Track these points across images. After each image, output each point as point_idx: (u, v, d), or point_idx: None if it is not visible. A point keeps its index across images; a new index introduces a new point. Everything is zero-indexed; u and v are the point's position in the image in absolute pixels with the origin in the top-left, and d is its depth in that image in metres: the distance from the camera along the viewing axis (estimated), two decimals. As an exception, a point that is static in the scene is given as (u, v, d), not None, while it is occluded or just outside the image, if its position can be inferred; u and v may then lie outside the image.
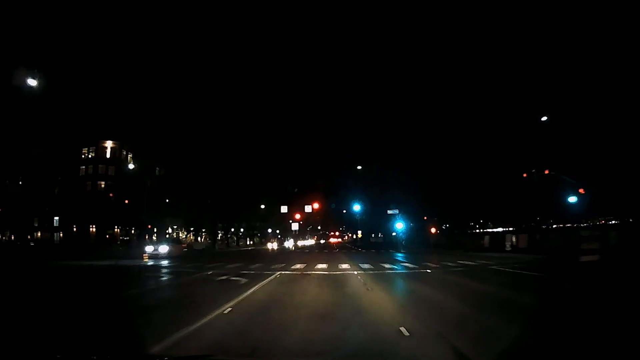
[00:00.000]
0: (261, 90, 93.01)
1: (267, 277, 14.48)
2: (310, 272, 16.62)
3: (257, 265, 20.68)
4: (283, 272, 16.46)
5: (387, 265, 20.02)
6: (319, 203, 47.54)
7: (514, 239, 37.03)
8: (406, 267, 19.25)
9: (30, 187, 70.69)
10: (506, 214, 44.49)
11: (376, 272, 16.89)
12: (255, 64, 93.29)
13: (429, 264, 21.00)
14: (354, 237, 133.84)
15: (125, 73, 75.88)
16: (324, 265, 19.80)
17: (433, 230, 48.05)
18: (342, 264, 21.13)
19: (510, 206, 41.82)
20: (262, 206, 68.49)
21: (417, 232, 52.61)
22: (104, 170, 75.44)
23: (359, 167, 47.00)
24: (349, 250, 43.74)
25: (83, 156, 76.19)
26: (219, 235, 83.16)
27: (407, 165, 51.70)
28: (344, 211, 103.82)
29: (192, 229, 76.98)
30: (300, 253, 38.00)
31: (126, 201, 68.32)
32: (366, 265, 19.72)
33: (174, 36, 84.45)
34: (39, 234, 75.41)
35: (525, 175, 35.07)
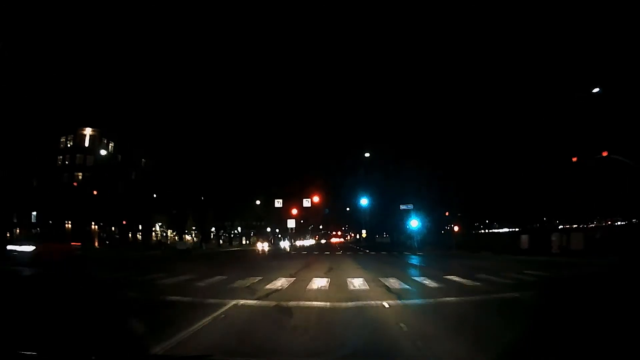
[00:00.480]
0: (256, 72, 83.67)
1: (191, 326, 6.40)
2: (294, 304, 8.15)
3: (215, 279, 12.68)
4: (242, 303, 8.22)
5: (427, 282, 12.01)
6: (319, 196, 39.80)
7: (564, 239, 29.58)
8: (461, 288, 11.09)
9: (7, 180, 63.20)
10: (553, 208, 36.57)
11: (424, 301, 8.82)
12: (251, 45, 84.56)
13: (480, 275, 13.17)
14: (357, 237, 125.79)
15: (109, 53, 67.85)
16: (323, 282, 11.75)
17: (456, 229, 40.23)
18: (353, 277, 13.19)
19: (557, 199, 33.82)
20: (258, 202, 60.62)
21: (434, 231, 44.73)
22: (82, 160, 67.60)
23: (367, 154, 39.12)
24: (355, 253, 35.85)
25: (61, 145, 68.60)
26: (212, 234, 75.77)
27: (423, 154, 43.80)
28: (347, 209, 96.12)
29: (180, 226, 69.06)
30: (294, 256, 30.11)
31: (107, 194, 60.89)
32: (394, 282, 11.67)
33: (163, 16, 76.22)
34: (18, 231, 67.99)
35: (575, 159, 27.63)
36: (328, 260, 23.36)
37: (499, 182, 37.26)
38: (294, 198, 41.46)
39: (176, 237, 73.69)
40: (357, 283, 11.55)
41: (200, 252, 41.14)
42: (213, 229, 78.16)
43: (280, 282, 11.71)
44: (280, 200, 40.23)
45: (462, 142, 41.13)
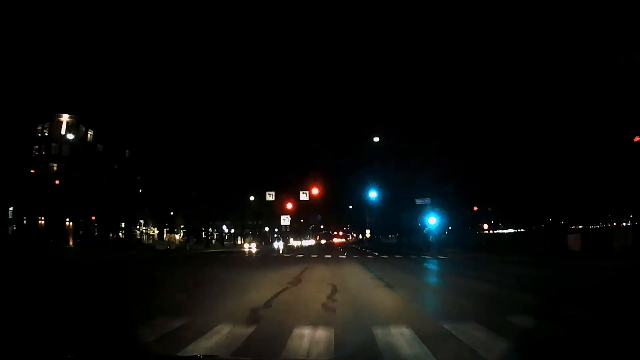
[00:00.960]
0: (247, 50, 74.42)
1: None
2: None
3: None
4: None
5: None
6: (318, 188, 32.69)
7: (629, 238, 23.05)
8: None
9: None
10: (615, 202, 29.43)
11: None
12: (241, 21, 76.67)
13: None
14: (360, 237, 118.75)
15: (89, 33, 60.55)
16: (321, 346, 4.58)
17: (485, 227, 33.18)
18: (385, 323, 5.98)
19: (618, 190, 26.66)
20: (252, 198, 53.35)
21: (455, 230, 37.61)
22: (57, 150, 60.36)
23: (377, 139, 31.96)
24: (363, 256, 28.80)
25: (39, 135, 61.48)
26: (202, 233, 68.87)
27: (440, 140, 36.70)
28: (350, 207, 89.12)
29: (166, 224, 62.01)
30: (285, 262, 22.95)
31: (84, 187, 54.14)
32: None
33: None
34: (-5, 228, 61.11)
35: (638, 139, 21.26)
36: (329, 271, 16.22)
37: (538, 173, 30.07)
38: (289, 190, 34.48)
39: (164, 237, 66.81)
40: (404, 348, 4.47)
41: (175, 255, 34.25)
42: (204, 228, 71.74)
43: (214, 341, 4.65)
44: (273, 193, 33.20)
45: (489, 124, 33.96)
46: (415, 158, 36.80)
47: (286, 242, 72.70)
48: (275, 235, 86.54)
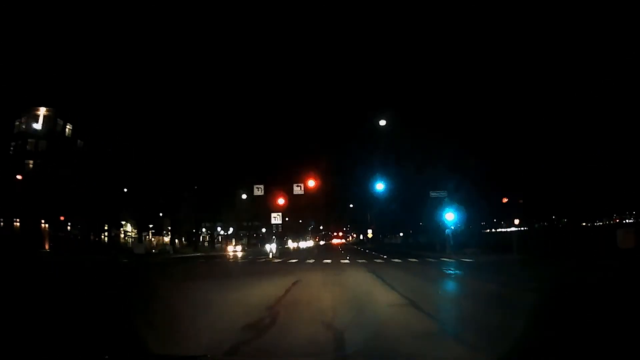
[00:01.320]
0: (237, 31, 64.86)
1: None
2: None
3: None
4: None
5: None
6: (315, 179, 27.05)
7: None
8: None
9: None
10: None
11: None
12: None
13: None
14: (360, 237, 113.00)
15: (68, 20, 54.71)
16: None
17: (516, 222, 27.68)
18: None
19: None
20: (244, 196, 47.58)
21: (475, 228, 32.09)
22: (33, 145, 54.53)
23: (383, 122, 26.32)
24: (370, 261, 23.28)
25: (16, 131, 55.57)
26: (196, 235, 63.21)
27: (455, 125, 31.27)
28: (351, 205, 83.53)
29: (150, 226, 56.40)
30: (272, 271, 17.40)
31: (63, 186, 48.77)
32: None
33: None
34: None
35: None
36: (329, 288, 10.67)
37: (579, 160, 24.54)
38: (281, 183, 28.87)
39: (145, 239, 61.13)
40: None
41: (151, 260, 28.84)
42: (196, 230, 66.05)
43: None
44: (261, 187, 27.54)
45: (508, 109, 28.45)
46: (427, 145, 31.23)
47: (281, 243, 66.85)
48: (273, 237, 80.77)
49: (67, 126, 56.43)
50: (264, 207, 37.14)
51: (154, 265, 22.35)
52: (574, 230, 27.81)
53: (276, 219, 27.46)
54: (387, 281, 11.79)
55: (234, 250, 40.98)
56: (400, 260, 22.12)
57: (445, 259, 23.49)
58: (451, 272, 16.09)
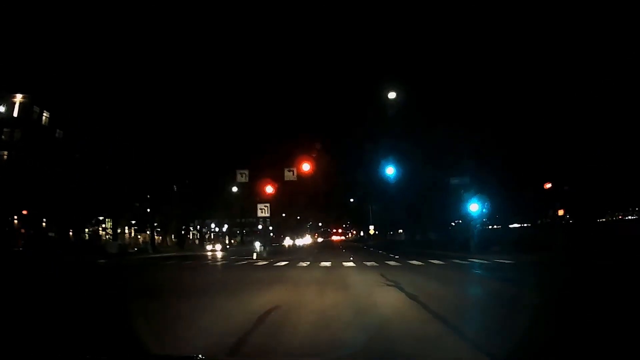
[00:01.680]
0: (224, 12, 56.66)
1: None
2: None
3: None
4: None
5: None
6: (310, 162, 21.48)
7: None
8: None
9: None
10: None
11: None
12: None
13: None
14: (361, 234, 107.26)
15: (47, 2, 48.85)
16: None
17: (560, 213, 22.33)
18: None
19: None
20: (235, 188, 42.01)
21: (500, 220, 26.63)
22: (9, 135, 49.07)
23: (393, 95, 20.76)
24: (380, 261, 17.92)
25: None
26: (186, 232, 57.94)
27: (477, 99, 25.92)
28: (351, 200, 77.86)
29: (133, 222, 51.00)
30: (245, 281, 11.96)
31: (38, 179, 43.50)
32: None
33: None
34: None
35: None
36: (328, 336, 5.03)
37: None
38: (269, 169, 23.37)
39: (138, 237, 55.88)
40: None
41: (120, 261, 23.56)
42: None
43: None
44: (245, 172, 22.00)
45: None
46: (443, 127, 25.68)
47: (277, 241, 61.42)
48: (272, 235, 75.37)
49: (44, 114, 50.95)
50: (250, 197, 31.89)
51: (118, 267, 17.05)
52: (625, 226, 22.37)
53: (263, 211, 21.90)
54: (432, 308, 6.36)
55: (213, 249, 35.61)
56: (421, 263, 16.68)
57: (475, 260, 18.12)
58: (510, 281, 10.64)
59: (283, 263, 17.80)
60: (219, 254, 28.15)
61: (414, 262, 17.36)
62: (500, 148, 23.67)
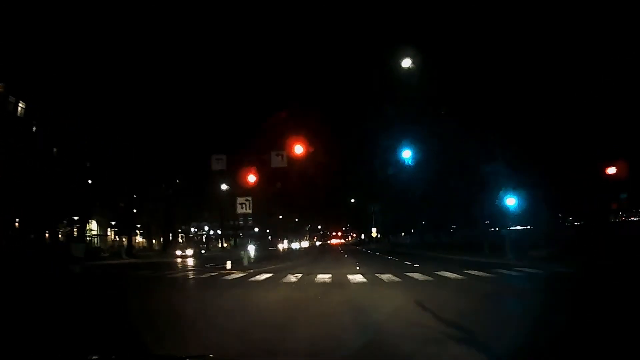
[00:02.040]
0: None
1: None
2: None
3: None
4: None
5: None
6: (303, 144, 16.28)
7: None
8: None
9: None
10: None
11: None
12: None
13: None
14: (362, 237, 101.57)
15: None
16: None
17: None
18: None
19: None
20: (224, 186, 36.70)
21: (540, 218, 21.52)
22: (-22, 128, 43.71)
23: (408, 63, 15.60)
24: (404, 277, 12.64)
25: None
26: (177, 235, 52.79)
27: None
28: (352, 200, 72.36)
29: (113, 223, 45.66)
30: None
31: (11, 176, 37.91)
32: None
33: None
34: None
35: None
36: None
37: None
38: (253, 153, 18.16)
39: (124, 240, 50.67)
40: None
41: (70, 268, 18.35)
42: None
43: None
44: (223, 158, 16.81)
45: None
46: (466, 103, 20.55)
47: (272, 244, 56.24)
48: (269, 238, 70.16)
49: (20, 104, 45.64)
50: (230, 190, 26.74)
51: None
52: None
53: (244, 206, 16.66)
54: None
55: (183, 254, 30.25)
56: (459, 276, 11.50)
57: (525, 269, 12.95)
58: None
59: (264, 276, 12.55)
60: (190, 261, 22.63)
61: (447, 274, 12.16)
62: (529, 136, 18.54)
